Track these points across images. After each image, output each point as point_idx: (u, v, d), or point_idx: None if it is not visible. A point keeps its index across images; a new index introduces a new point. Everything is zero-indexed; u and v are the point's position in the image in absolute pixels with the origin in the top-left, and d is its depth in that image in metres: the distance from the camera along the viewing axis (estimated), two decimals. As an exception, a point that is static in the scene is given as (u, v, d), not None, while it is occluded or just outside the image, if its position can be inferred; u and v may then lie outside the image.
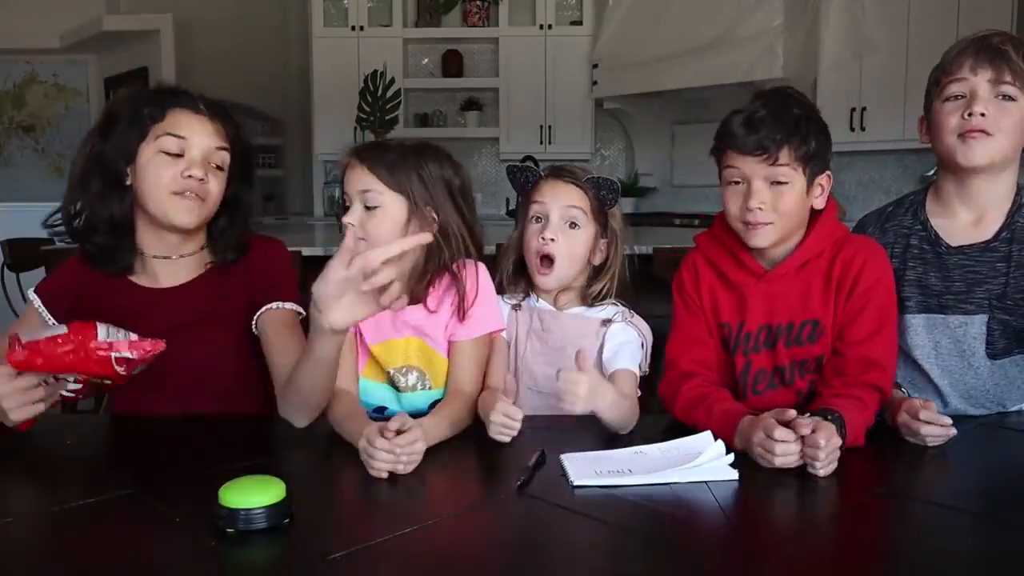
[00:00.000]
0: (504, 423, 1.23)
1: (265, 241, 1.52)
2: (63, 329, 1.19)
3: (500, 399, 1.26)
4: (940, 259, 1.43)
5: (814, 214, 1.38)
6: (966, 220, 1.43)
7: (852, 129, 4.71)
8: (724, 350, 1.42)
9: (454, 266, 1.39)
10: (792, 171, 1.30)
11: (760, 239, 1.33)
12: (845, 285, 1.33)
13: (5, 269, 3.86)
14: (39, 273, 3.59)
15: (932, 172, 1.55)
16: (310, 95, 5.86)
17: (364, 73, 3.73)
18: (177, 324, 1.38)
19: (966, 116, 1.34)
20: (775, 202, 1.30)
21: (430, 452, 1.22)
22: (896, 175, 4.91)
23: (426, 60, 6.14)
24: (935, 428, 1.22)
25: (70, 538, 0.95)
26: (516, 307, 1.52)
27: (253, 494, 0.92)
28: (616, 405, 1.28)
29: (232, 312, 1.44)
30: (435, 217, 1.37)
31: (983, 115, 1.33)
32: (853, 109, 4.70)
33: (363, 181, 1.34)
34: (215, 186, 1.39)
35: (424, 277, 1.38)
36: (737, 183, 1.33)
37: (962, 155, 1.36)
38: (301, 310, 1.43)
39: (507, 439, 1.24)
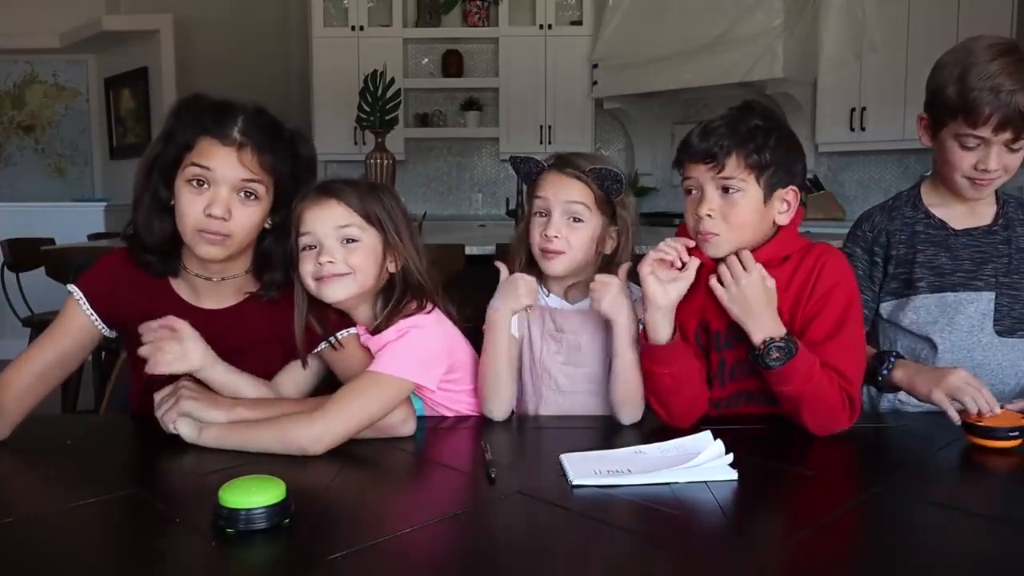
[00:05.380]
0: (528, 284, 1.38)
1: None
2: None
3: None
4: (948, 241, 1.50)
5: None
6: (961, 210, 1.52)
7: (852, 129, 4.72)
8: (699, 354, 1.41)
9: (410, 306, 1.35)
10: (743, 181, 1.29)
11: (711, 249, 1.32)
12: (806, 289, 1.32)
13: (5, 269, 3.86)
14: (39, 273, 3.59)
15: (931, 173, 1.57)
16: (310, 95, 5.86)
17: (364, 73, 3.71)
18: (221, 347, 1.35)
19: (979, 168, 1.41)
20: (726, 211, 1.30)
21: (429, 452, 1.22)
22: (896, 175, 4.91)
23: (426, 60, 6.14)
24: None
25: (70, 538, 0.95)
26: (529, 307, 1.50)
27: (253, 494, 0.92)
28: (630, 329, 1.35)
29: (272, 342, 1.40)
30: (402, 250, 1.36)
31: (996, 169, 1.41)
32: (853, 109, 4.70)
33: (339, 216, 1.31)
34: (244, 217, 1.31)
35: (384, 311, 1.35)
36: (692, 191, 1.34)
37: (969, 194, 1.47)
38: (357, 331, 1.40)
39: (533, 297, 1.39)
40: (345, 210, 1.31)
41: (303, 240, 1.33)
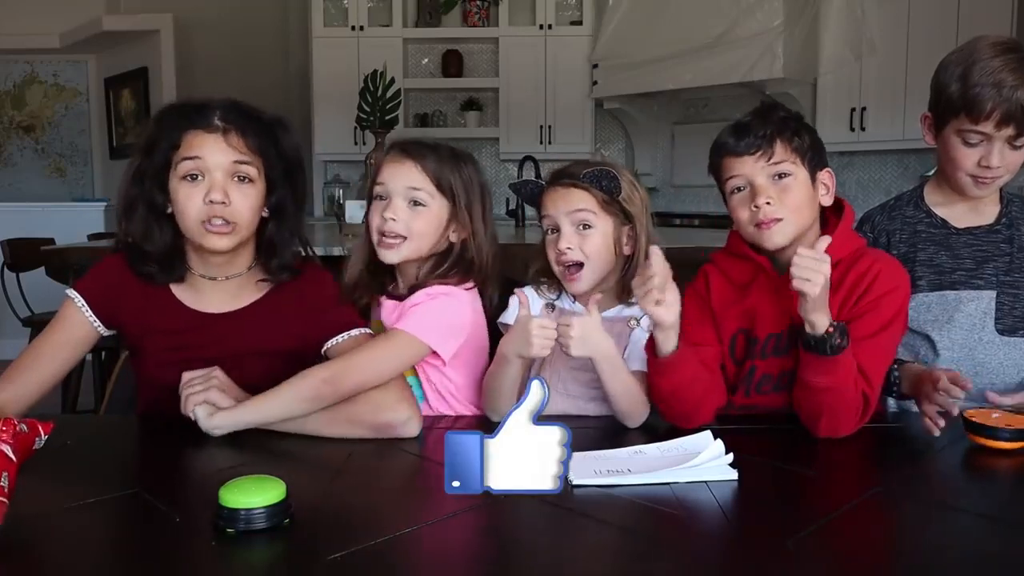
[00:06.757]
0: (542, 334, 1.26)
1: (315, 269, 1.47)
2: None
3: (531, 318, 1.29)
4: (949, 239, 1.50)
5: (825, 218, 1.39)
6: (964, 208, 1.52)
7: (852, 129, 4.71)
8: (732, 359, 1.41)
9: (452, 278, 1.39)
10: (792, 164, 1.32)
11: (775, 236, 1.32)
12: (855, 292, 1.32)
13: (5, 269, 3.86)
14: (39, 273, 3.59)
15: (932, 172, 1.58)
16: (310, 95, 5.86)
17: (364, 73, 3.73)
18: (223, 353, 1.36)
19: (982, 165, 1.40)
20: (782, 197, 1.31)
21: (429, 452, 1.22)
22: (896, 175, 4.91)
23: (426, 60, 6.14)
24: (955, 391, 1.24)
25: (70, 538, 0.95)
26: (549, 306, 1.49)
27: (253, 494, 0.92)
28: (613, 360, 1.31)
29: (283, 343, 1.40)
30: (469, 222, 1.39)
31: (998, 166, 1.40)
32: (853, 109, 4.70)
33: (412, 178, 1.36)
34: (242, 201, 1.32)
35: (427, 274, 1.39)
36: (741, 189, 1.34)
37: (972, 192, 1.46)
38: (370, 331, 1.40)
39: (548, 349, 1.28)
40: (420, 173, 1.36)
41: (376, 189, 1.40)
